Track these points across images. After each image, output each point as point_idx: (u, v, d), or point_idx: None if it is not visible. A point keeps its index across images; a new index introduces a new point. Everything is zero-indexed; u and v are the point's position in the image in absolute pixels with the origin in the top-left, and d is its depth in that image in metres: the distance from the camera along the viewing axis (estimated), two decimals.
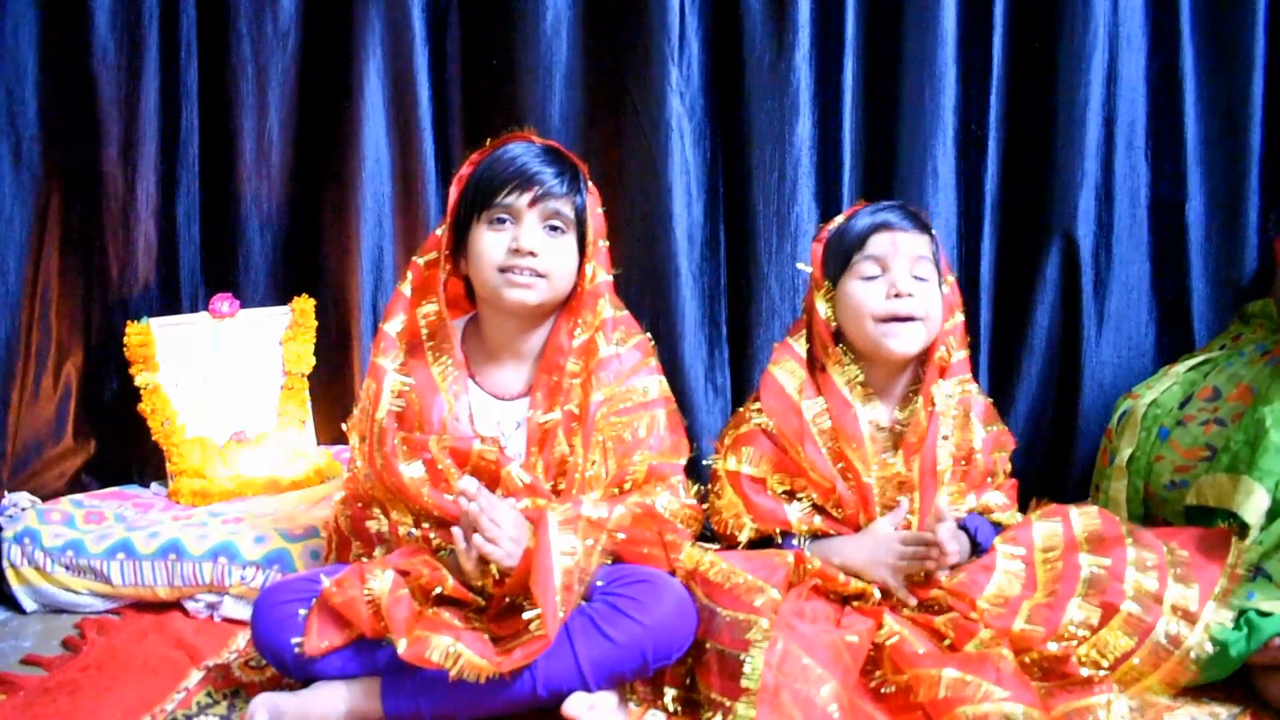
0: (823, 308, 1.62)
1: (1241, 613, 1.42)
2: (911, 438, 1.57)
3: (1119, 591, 1.41)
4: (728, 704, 1.33)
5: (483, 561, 1.42)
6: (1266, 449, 1.47)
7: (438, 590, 1.44)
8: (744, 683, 1.31)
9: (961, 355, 1.62)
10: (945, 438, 1.57)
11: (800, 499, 1.60)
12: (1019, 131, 2.08)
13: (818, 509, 1.60)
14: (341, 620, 1.41)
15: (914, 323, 1.56)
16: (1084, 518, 1.52)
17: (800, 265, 1.70)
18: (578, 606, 1.40)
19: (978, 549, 1.56)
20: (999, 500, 1.64)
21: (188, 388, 2.15)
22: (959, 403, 1.60)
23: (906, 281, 1.55)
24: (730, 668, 1.35)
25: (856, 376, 1.60)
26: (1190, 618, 1.39)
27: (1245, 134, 1.98)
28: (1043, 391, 2.08)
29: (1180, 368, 1.79)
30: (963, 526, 1.57)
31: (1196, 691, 1.45)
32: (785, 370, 1.63)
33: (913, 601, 1.50)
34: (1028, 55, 2.05)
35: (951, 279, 1.64)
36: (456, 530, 1.41)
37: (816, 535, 1.59)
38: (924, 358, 1.62)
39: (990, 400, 1.71)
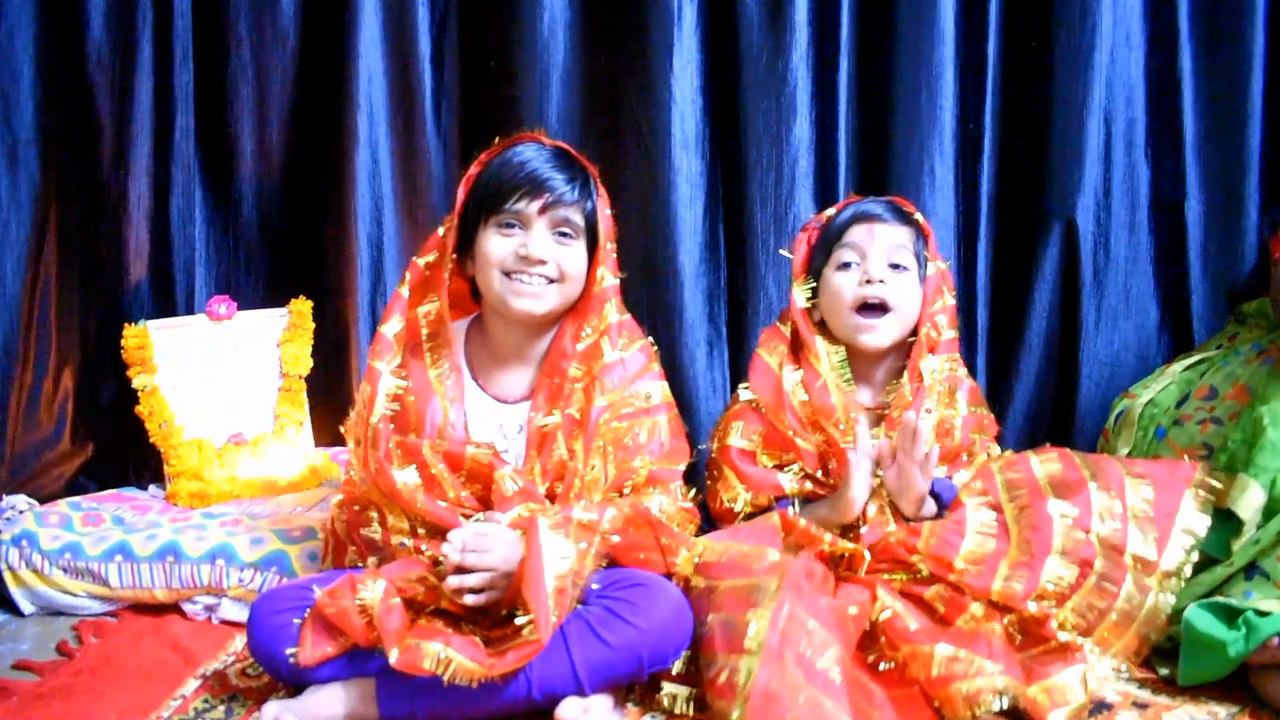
0: (799, 296, 1.68)
1: (1239, 613, 1.41)
2: (895, 412, 1.61)
3: (1090, 546, 1.43)
4: (732, 662, 1.29)
5: None
6: (1264, 447, 1.48)
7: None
8: (746, 643, 1.28)
9: (951, 335, 1.66)
10: (928, 411, 1.60)
11: (789, 471, 1.64)
12: (1016, 131, 2.08)
13: (809, 478, 1.63)
14: (335, 630, 1.40)
15: (887, 315, 1.62)
16: (1044, 463, 1.53)
17: (783, 251, 1.74)
18: (573, 610, 1.39)
19: (943, 511, 1.58)
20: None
21: (185, 390, 2.15)
22: (945, 379, 1.63)
23: (879, 269, 1.62)
24: (735, 630, 1.32)
25: (833, 354, 1.65)
26: (1149, 568, 1.41)
27: (1244, 133, 1.97)
28: (1041, 390, 2.08)
29: (1177, 367, 1.79)
30: (932, 491, 1.59)
31: (1195, 691, 1.45)
32: (770, 349, 1.69)
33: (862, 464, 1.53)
34: (1024, 54, 2.05)
35: (944, 264, 1.68)
36: (452, 581, 1.39)
37: (808, 500, 1.63)
38: (911, 338, 1.67)
39: (977, 384, 1.73)
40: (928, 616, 1.45)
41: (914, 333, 1.66)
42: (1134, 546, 1.42)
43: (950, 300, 1.66)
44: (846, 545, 1.53)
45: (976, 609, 1.41)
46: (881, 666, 1.41)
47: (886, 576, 1.50)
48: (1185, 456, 1.62)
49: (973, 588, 1.42)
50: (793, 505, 1.63)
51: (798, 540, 1.52)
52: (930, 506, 1.58)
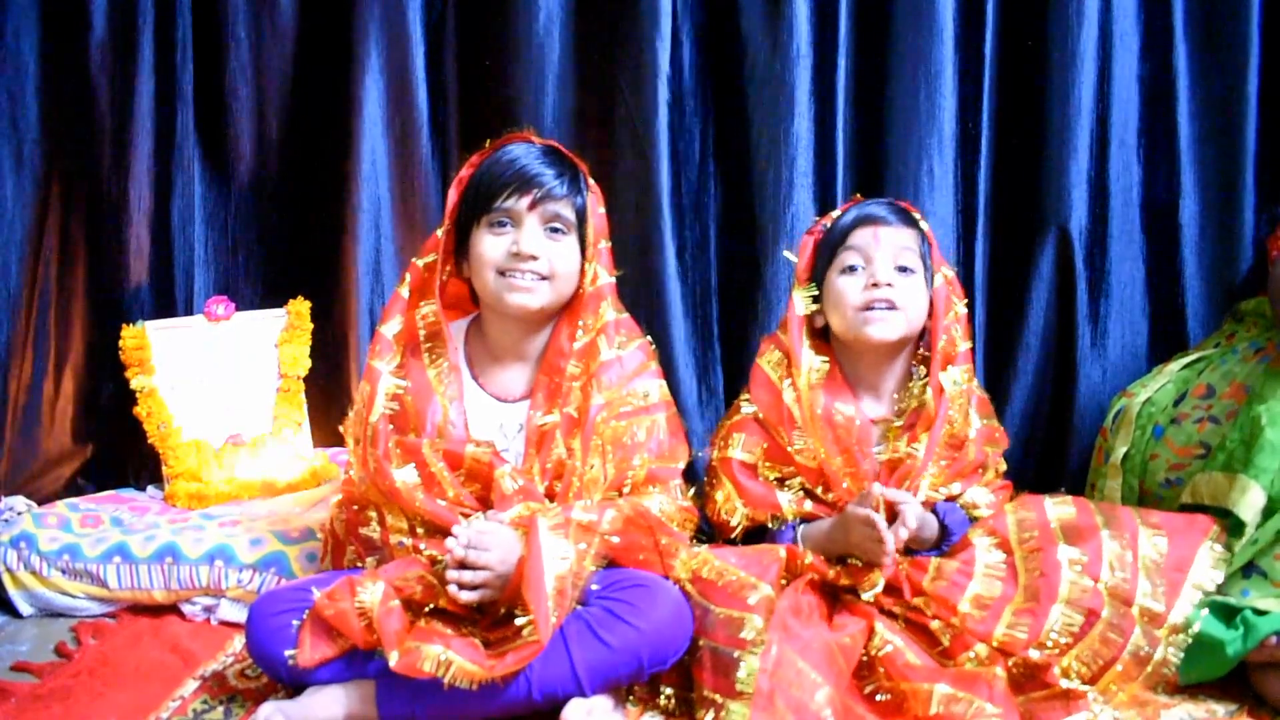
0: (800, 303, 1.65)
1: (1237, 611, 1.42)
2: (915, 422, 1.58)
3: (1098, 595, 1.41)
4: (720, 701, 1.33)
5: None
6: (1262, 447, 1.47)
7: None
8: (739, 686, 1.31)
9: (966, 346, 1.63)
10: (950, 423, 1.58)
11: (790, 485, 1.63)
12: (1013, 131, 2.08)
13: (809, 494, 1.62)
14: (334, 631, 1.41)
15: (893, 310, 1.59)
16: (1058, 506, 1.52)
17: (787, 254, 1.72)
18: (573, 610, 1.39)
19: (946, 536, 1.57)
20: (985, 498, 1.63)
21: (184, 391, 2.15)
22: (963, 392, 1.60)
23: (886, 272, 1.59)
24: (724, 665, 1.35)
25: (818, 369, 1.62)
26: (1157, 621, 1.40)
27: (1239, 132, 1.97)
28: (1038, 390, 2.08)
29: (1174, 366, 1.78)
30: (934, 511, 1.58)
31: (1193, 689, 1.45)
32: (770, 360, 1.67)
33: (888, 571, 1.48)
34: (1020, 54, 2.05)
35: (949, 272, 1.65)
36: (451, 575, 1.40)
37: (806, 520, 1.61)
38: (917, 348, 1.65)
39: (985, 395, 1.72)
40: (929, 647, 1.43)
41: (920, 337, 1.64)
42: (1143, 598, 1.40)
43: (962, 309, 1.63)
44: (849, 579, 1.51)
45: (981, 649, 1.40)
46: (879, 698, 1.40)
47: (889, 600, 1.49)
48: (1183, 455, 1.63)
49: (975, 633, 1.41)
50: (794, 530, 1.60)
51: (801, 571, 1.52)
52: (931, 525, 1.56)
